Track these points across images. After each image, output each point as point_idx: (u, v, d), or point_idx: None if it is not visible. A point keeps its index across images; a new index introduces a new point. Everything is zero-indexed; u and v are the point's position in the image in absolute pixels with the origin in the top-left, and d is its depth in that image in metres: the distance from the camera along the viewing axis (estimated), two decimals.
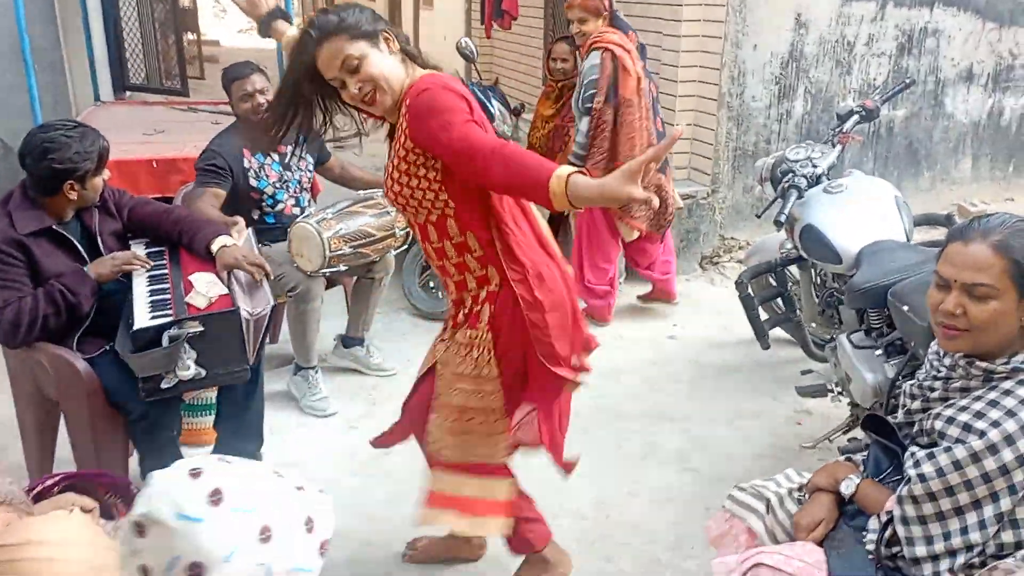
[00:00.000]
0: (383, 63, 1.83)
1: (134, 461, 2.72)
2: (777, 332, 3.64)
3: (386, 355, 3.69)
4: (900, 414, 1.66)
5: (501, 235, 1.91)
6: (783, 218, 2.88)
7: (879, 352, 2.45)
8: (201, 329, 2.36)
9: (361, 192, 3.50)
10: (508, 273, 1.90)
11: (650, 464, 2.99)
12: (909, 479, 1.48)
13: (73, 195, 2.44)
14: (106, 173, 2.52)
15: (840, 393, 2.81)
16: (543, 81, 6.03)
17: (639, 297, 4.46)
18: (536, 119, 4.73)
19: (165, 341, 2.32)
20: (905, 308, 2.22)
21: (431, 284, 4.22)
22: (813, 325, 3.36)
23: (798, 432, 3.17)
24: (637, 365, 3.78)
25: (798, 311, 3.38)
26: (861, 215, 2.81)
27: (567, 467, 2.13)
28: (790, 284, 3.44)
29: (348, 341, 3.68)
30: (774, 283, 3.43)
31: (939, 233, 3.27)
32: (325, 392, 3.41)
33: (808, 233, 2.88)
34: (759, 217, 3.31)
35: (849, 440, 2.65)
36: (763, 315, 3.49)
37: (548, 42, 6.55)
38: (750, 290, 3.24)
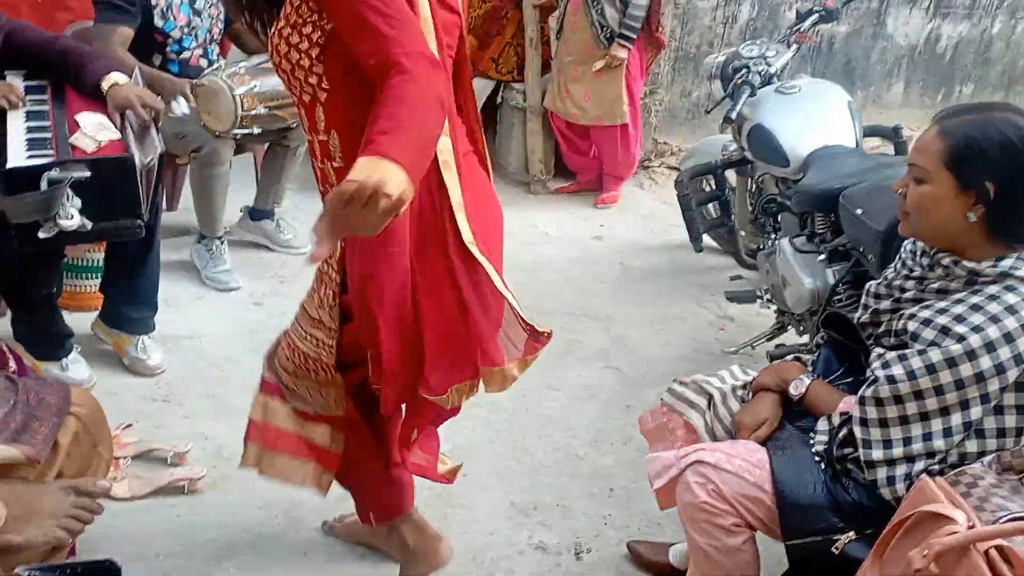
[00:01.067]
0: None
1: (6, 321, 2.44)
2: (704, 238, 3.56)
3: (298, 233, 3.43)
4: (864, 314, 1.57)
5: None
6: (733, 115, 2.75)
7: (821, 258, 2.38)
8: (87, 175, 2.06)
9: None
10: None
11: (571, 361, 2.90)
12: (876, 380, 1.39)
13: None
14: None
15: (769, 300, 2.76)
16: None
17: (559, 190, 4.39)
18: None
19: (44, 184, 2.02)
20: (858, 212, 2.13)
21: None
22: (744, 233, 3.29)
23: (720, 337, 3.12)
24: (561, 263, 3.65)
25: (732, 216, 3.29)
26: (813, 118, 2.70)
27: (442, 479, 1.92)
28: (727, 189, 3.34)
29: (256, 213, 3.40)
30: (710, 187, 3.32)
31: (887, 147, 3.20)
32: (230, 265, 3.14)
33: (757, 133, 2.77)
34: (708, 113, 3.17)
35: (776, 347, 2.61)
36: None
37: None
38: (688, 191, 3.13)
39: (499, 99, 4.49)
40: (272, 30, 1.43)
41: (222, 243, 3.17)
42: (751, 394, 1.66)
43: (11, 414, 1.37)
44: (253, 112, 2.84)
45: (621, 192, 4.38)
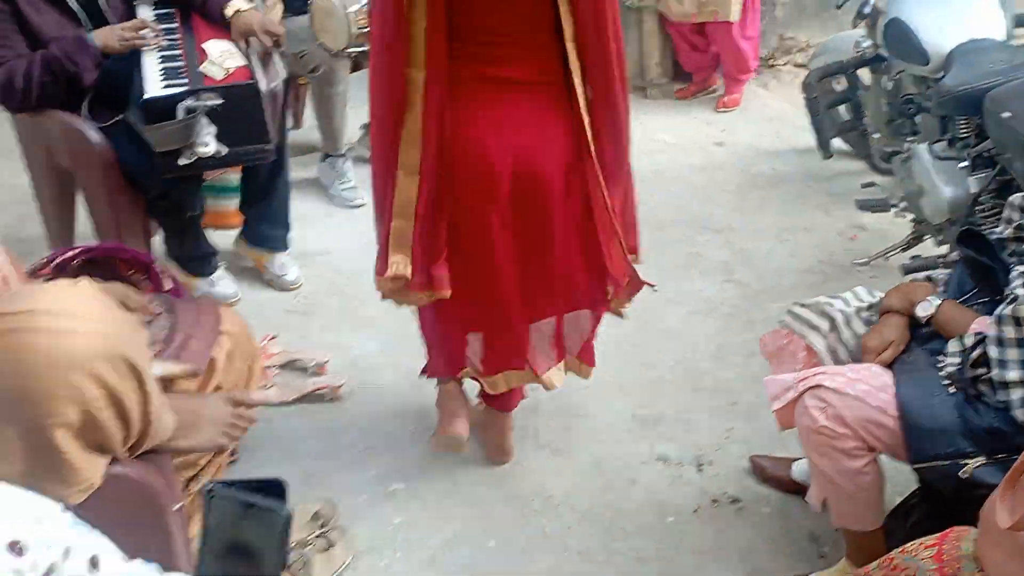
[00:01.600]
0: None
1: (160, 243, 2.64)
2: (834, 143, 3.39)
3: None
4: (1007, 228, 1.48)
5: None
6: (868, 9, 2.57)
7: (963, 164, 2.23)
8: (220, 102, 2.17)
9: None
10: None
11: (692, 274, 2.86)
12: (1016, 298, 1.32)
13: None
14: None
15: (905, 209, 2.62)
16: None
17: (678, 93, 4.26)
18: None
19: (180, 113, 2.14)
20: (1006, 115, 1.97)
21: None
22: (878, 136, 3.10)
23: (851, 248, 2.99)
24: (680, 171, 3.57)
25: (864, 119, 3.10)
26: (955, 9, 2.48)
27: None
28: (859, 90, 3.14)
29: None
30: (841, 88, 3.13)
31: None
32: (355, 181, 3.24)
33: (893, 28, 2.57)
34: (839, 8, 2.95)
35: (912, 259, 2.50)
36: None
37: None
38: (816, 93, 2.97)
39: None
40: None
41: (345, 160, 3.27)
42: (877, 316, 1.60)
43: (172, 334, 1.51)
44: (365, 29, 2.86)
45: (744, 94, 4.19)
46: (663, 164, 3.62)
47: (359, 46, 2.91)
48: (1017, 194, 1.51)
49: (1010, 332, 1.32)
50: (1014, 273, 1.37)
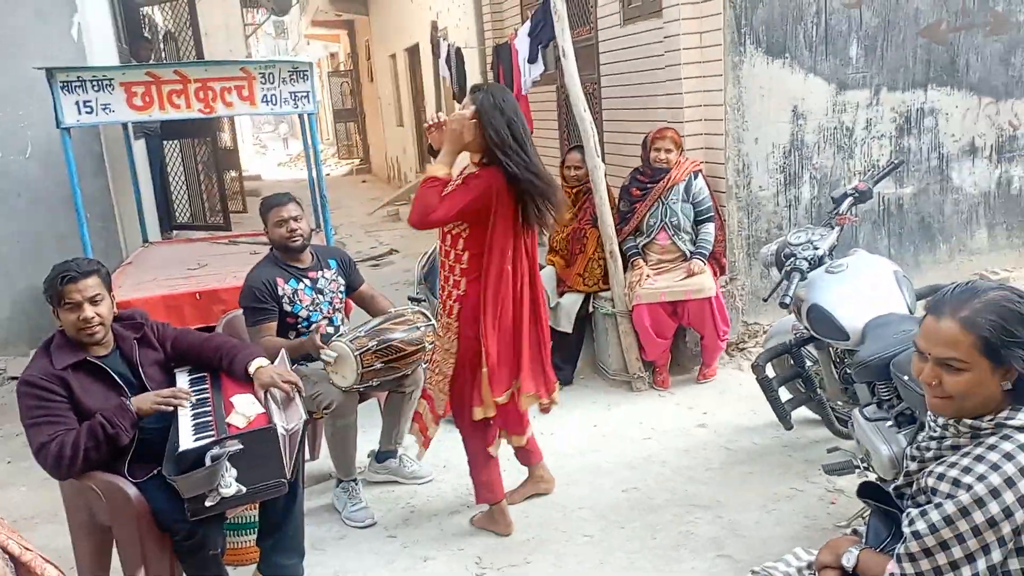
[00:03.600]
0: None
1: None
2: (805, 413, 3.69)
3: (420, 464, 3.79)
4: (900, 477, 1.73)
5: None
6: (788, 300, 3.00)
7: (890, 423, 2.51)
8: (240, 447, 2.51)
9: (392, 310, 3.65)
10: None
11: (683, 554, 3.01)
12: (904, 537, 1.54)
13: (58, 322, 2.66)
14: (88, 310, 2.61)
15: (867, 468, 2.83)
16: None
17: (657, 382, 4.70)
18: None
19: (208, 461, 2.47)
20: (905, 378, 2.29)
21: None
22: (839, 403, 3.41)
23: (832, 511, 3.17)
24: (669, 455, 3.83)
25: (819, 390, 3.43)
26: (863, 292, 2.92)
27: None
28: (808, 363, 3.50)
29: (381, 456, 3.79)
30: (790, 365, 3.50)
31: None
32: (365, 502, 3.51)
33: (814, 312, 2.99)
34: (765, 301, 3.42)
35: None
36: (788, 395, 3.56)
37: (563, 151, 6.88)
38: (768, 372, 3.32)
39: (591, 308, 4.88)
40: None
41: (357, 484, 3.56)
42: (816, 572, 1.79)
43: None
44: (372, 367, 3.32)
45: (720, 377, 4.58)
46: (652, 450, 3.88)
47: (367, 383, 3.35)
48: (910, 445, 1.78)
49: (908, 569, 1.52)
50: (904, 515, 1.60)
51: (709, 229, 4.61)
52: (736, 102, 4.63)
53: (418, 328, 3.47)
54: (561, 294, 4.84)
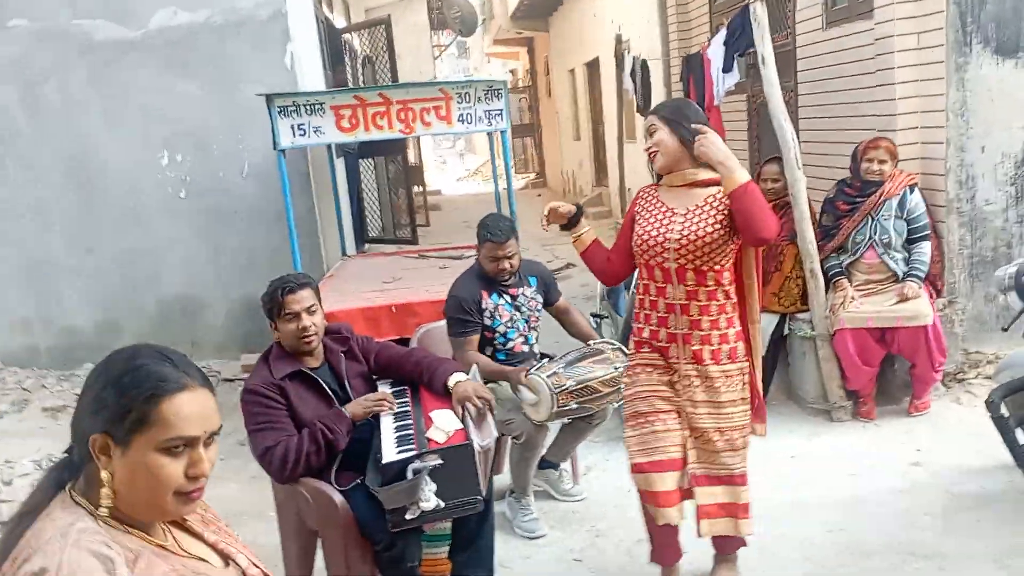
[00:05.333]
0: None
1: None
2: None
3: (603, 483, 3.69)
4: None
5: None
6: None
7: None
8: (440, 462, 2.54)
9: (594, 344, 3.54)
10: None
11: None
12: None
13: (276, 334, 2.78)
14: (306, 320, 2.74)
15: None
16: None
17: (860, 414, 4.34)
18: None
19: (409, 474, 2.51)
20: None
21: None
22: None
23: None
24: (880, 495, 3.50)
25: None
26: None
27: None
28: None
29: (544, 463, 3.72)
30: None
31: None
32: (536, 513, 3.46)
33: None
34: (1005, 331, 3.05)
35: None
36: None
37: (754, 163, 6.58)
38: (1004, 410, 2.96)
39: (786, 330, 4.60)
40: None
41: (530, 496, 3.54)
42: None
43: None
44: (566, 407, 3.24)
45: (936, 410, 4.17)
46: (861, 488, 3.58)
47: (559, 418, 3.29)
48: None
49: None
50: None
51: (924, 248, 4.22)
52: (960, 107, 4.21)
53: (616, 368, 3.28)
54: None
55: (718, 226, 2.57)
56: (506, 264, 3.47)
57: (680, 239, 2.60)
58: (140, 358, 1.25)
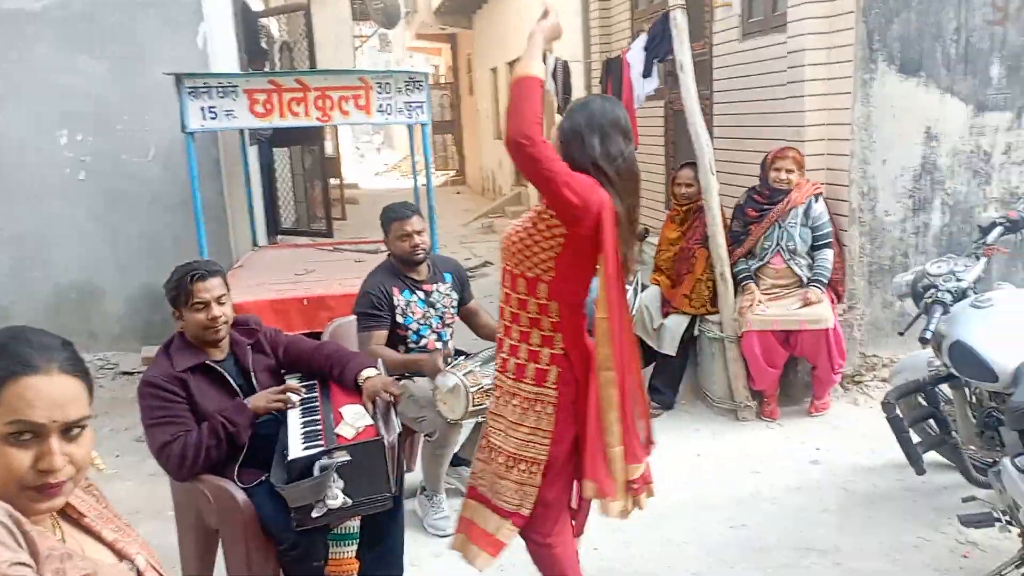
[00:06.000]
0: None
1: None
2: (933, 455, 3.42)
3: None
4: None
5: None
6: (929, 335, 2.78)
7: None
8: (348, 459, 2.47)
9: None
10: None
11: None
12: None
13: (179, 324, 2.67)
14: (216, 310, 2.63)
15: (1009, 522, 2.59)
16: (666, 205, 6.15)
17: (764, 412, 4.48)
18: (662, 242, 4.83)
19: (316, 471, 2.44)
20: None
21: None
22: (972, 448, 3.14)
23: (965, 565, 2.92)
24: (779, 492, 3.62)
25: (953, 432, 3.17)
26: (1015, 329, 2.68)
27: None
28: (942, 404, 3.25)
29: (456, 460, 3.71)
30: (925, 403, 3.26)
31: None
32: (448, 512, 3.44)
33: (958, 350, 2.76)
34: (901, 335, 3.19)
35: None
36: (915, 437, 3.31)
37: (670, 168, 6.71)
38: (898, 411, 3.09)
39: (696, 331, 4.70)
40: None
41: (441, 495, 3.51)
42: None
43: None
44: (481, 406, 3.20)
45: (834, 411, 4.33)
46: (761, 485, 3.69)
47: (472, 418, 3.26)
48: None
49: None
50: None
51: (827, 255, 4.38)
52: (864, 121, 4.39)
53: None
54: (666, 315, 4.68)
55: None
56: (417, 239, 3.45)
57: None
58: (7, 339, 1.17)
